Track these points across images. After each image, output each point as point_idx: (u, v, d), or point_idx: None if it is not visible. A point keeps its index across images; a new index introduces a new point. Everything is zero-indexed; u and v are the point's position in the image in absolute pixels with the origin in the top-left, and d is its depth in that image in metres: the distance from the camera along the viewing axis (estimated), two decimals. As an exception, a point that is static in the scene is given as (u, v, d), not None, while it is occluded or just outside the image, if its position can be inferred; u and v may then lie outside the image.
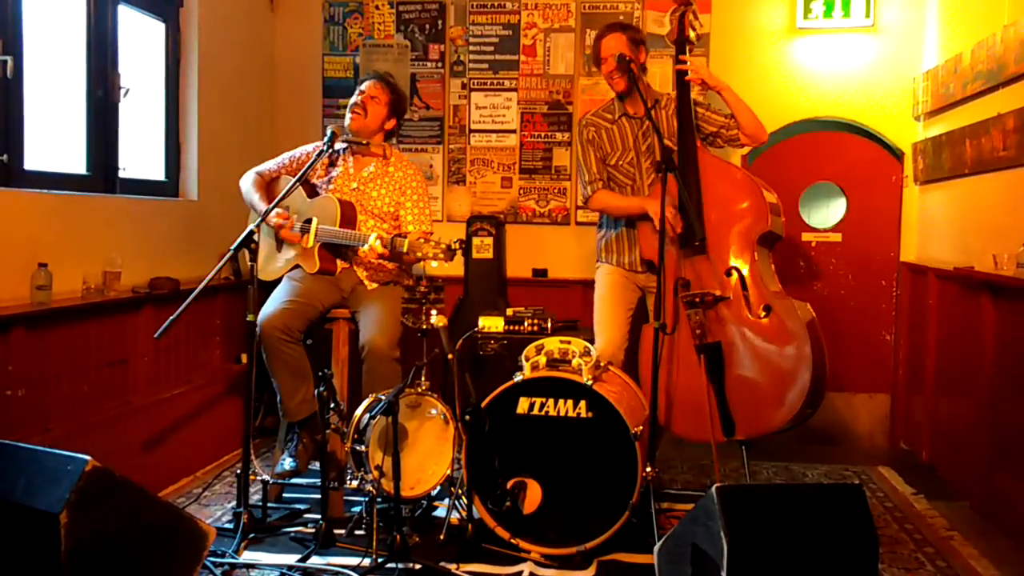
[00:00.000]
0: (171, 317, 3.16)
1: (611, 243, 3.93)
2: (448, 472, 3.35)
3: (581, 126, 3.92)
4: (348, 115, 3.86)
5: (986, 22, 3.99)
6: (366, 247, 3.54)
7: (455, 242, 3.39)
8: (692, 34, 3.72)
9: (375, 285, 3.83)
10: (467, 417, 3.22)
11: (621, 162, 3.84)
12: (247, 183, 3.92)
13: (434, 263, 3.39)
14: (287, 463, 3.67)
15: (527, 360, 3.36)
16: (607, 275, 3.93)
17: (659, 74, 5.01)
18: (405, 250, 3.44)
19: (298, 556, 3.15)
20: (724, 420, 3.52)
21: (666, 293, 3.45)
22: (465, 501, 3.32)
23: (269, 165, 3.97)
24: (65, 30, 3.74)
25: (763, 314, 3.50)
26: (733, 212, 3.61)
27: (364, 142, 3.84)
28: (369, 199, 3.85)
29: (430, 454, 3.35)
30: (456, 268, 4.61)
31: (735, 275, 3.56)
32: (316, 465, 3.56)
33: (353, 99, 3.87)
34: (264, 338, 3.55)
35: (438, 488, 3.39)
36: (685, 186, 3.46)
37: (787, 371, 3.44)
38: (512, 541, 3.22)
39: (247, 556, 3.17)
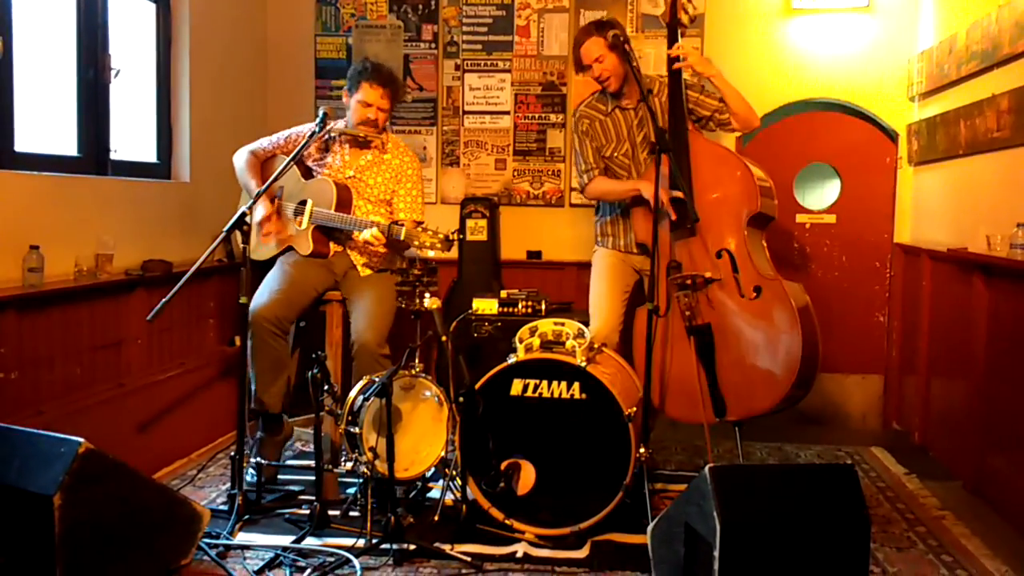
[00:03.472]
0: (164, 299, 3.15)
1: (607, 226, 3.94)
2: (442, 454, 3.35)
3: (576, 118, 3.91)
4: (353, 117, 3.79)
5: (982, 2, 3.97)
6: (363, 236, 3.54)
7: (453, 232, 3.41)
8: (685, 17, 3.71)
9: (368, 272, 3.82)
10: (461, 399, 3.22)
11: (616, 154, 3.84)
12: (241, 161, 3.90)
13: (431, 252, 3.39)
14: (249, 475, 3.54)
15: (521, 342, 3.36)
16: (604, 258, 3.94)
17: (654, 55, 5.01)
18: (403, 238, 3.44)
19: (293, 537, 3.15)
20: (715, 401, 3.54)
21: (659, 276, 3.45)
22: (459, 482, 3.32)
23: (264, 143, 3.94)
24: (55, 11, 3.71)
25: (754, 295, 3.51)
26: (723, 194, 3.61)
27: (362, 135, 3.80)
28: (366, 187, 3.84)
29: (424, 436, 3.35)
30: (450, 251, 4.60)
31: (726, 256, 3.56)
32: (311, 447, 3.56)
33: (360, 111, 3.76)
34: (253, 327, 3.55)
35: (432, 470, 3.40)
36: (677, 166, 3.45)
37: (777, 353, 3.46)
38: (506, 522, 3.23)
39: (241, 537, 3.17)
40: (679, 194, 3.49)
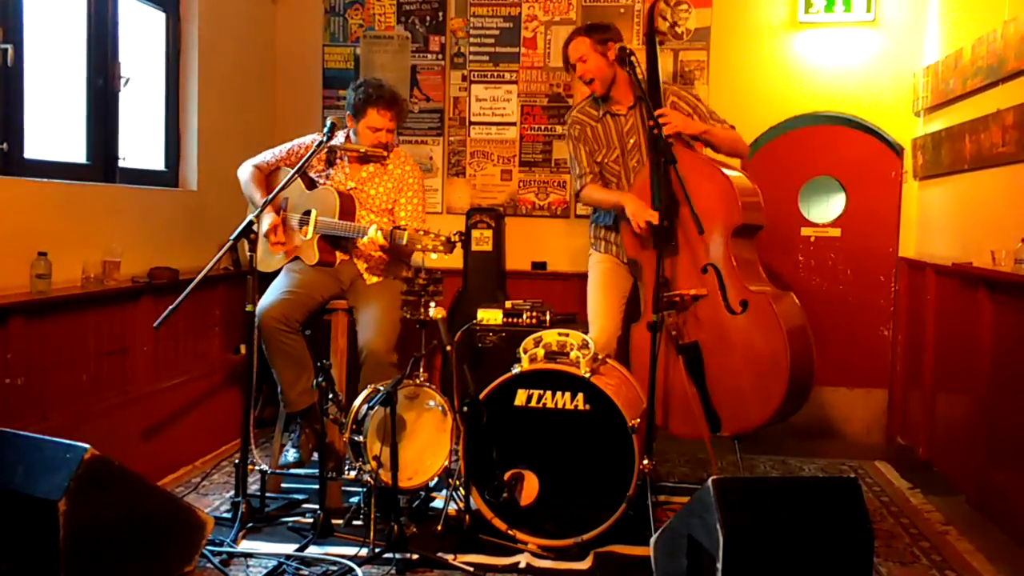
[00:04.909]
0: (170, 307, 3.16)
1: (601, 231, 3.95)
2: (446, 463, 3.36)
3: (568, 123, 3.93)
4: (363, 141, 3.81)
5: (987, 17, 3.99)
6: (365, 239, 3.55)
7: (455, 234, 3.40)
8: (663, 24, 3.71)
9: (375, 279, 3.84)
10: (465, 409, 3.22)
11: (607, 160, 3.85)
12: (245, 175, 3.92)
13: (433, 255, 3.40)
14: (291, 454, 3.70)
15: (525, 352, 3.37)
16: (600, 263, 3.94)
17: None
18: (405, 242, 3.45)
19: (296, 546, 3.16)
20: (709, 417, 3.51)
21: (648, 293, 3.43)
22: (463, 492, 3.33)
23: (267, 156, 3.96)
24: (66, 19, 3.74)
25: (740, 310, 3.46)
26: (704, 207, 3.43)
27: (363, 150, 3.83)
28: (368, 197, 3.86)
29: (428, 445, 3.36)
30: (455, 260, 4.62)
31: (711, 271, 3.52)
32: (316, 455, 3.57)
33: (370, 136, 3.78)
34: (263, 329, 3.56)
35: (436, 479, 3.40)
36: (663, 185, 3.42)
37: (765, 366, 3.41)
38: (509, 532, 3.23)
39: (245, 545, 3.18)
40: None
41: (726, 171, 3.61)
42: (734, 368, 3.48)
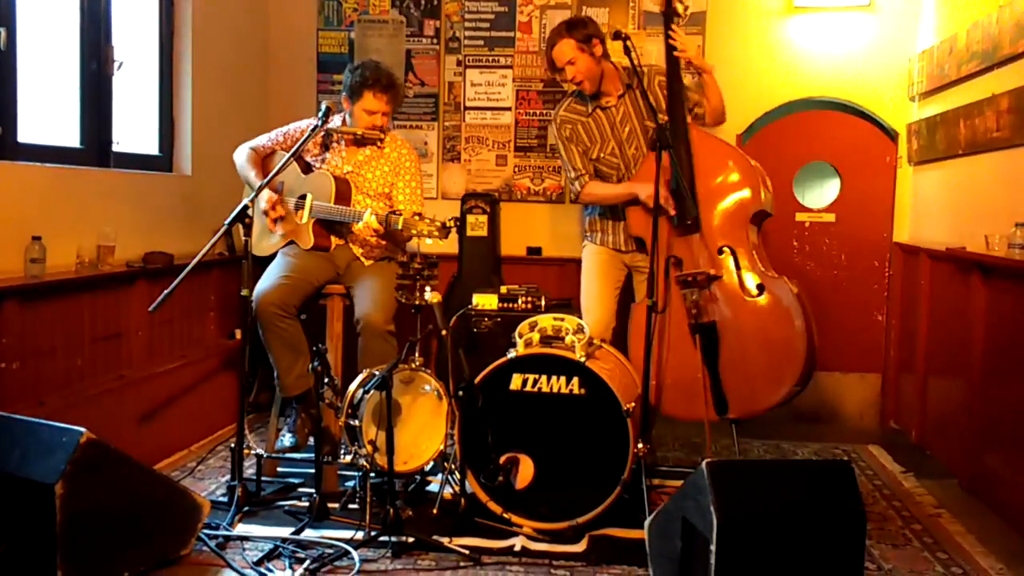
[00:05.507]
0: (166, 291, 3.16)
1: (596, 222, 3.93)
2: (441, 447, 3.36)
3: (557, 124, 3.87)
4: (358, 123, 3.80)
5: (982, 2, 3.98)
6: (361, 223, 3.56)
7: (450, 220, 3.41)
8: (679, 6, 3.70)
9: (370, 261, 3.84)
10: (460, 393, 3.24)
11: (603, 154, 3.82)
12: (241, 158, 3.91)
13: (428, 240, 3.40)
14: (287, 439, 3.71)
15: (520, 337, 3.37)
16: (593, 254, 3.93)
17: (656, 52, 4.99)
18: (400, 227, 3.45)
19: (292, 529, 3.17)
20: (717, 399, 3.53)
21: (657, 272, 3.44)
22: (458, 476, 3.34)
23: (263, 140, 3.95)
24: (59, 2, 3.71)
25: (756, 293, 3.50)
26: (725, 190, 3.57)
27: (360, 134, 3.81)
28: (364, 181, 3.85)
29: (423, 429, 3.36)
30: (450, 246, 4.61)
31: (728, 253, 3.55)
32: (312, 440, 3.58)
33: (366, 119, 3.78)
34: (260, 314, 3.57)
35: (431, 463, 3.41)
36: (677, 163, 3.44)
37: (781, 350, 3.44)
38: (504, 516, 3.25)
39: (241, 529, 3.19)
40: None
41: (745, 155, 3.65)
42: (747, 351, 3.49)
